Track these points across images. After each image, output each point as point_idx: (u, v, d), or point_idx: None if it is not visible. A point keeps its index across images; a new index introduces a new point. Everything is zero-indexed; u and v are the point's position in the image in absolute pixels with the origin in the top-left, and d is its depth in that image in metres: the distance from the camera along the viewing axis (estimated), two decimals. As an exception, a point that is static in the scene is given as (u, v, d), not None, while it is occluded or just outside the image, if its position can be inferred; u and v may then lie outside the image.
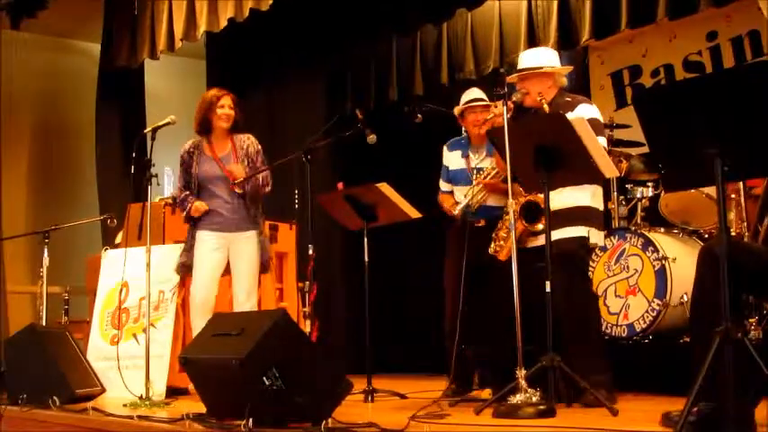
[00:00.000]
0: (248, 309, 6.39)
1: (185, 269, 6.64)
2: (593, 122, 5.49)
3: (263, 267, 6.70)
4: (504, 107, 5.19)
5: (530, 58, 5.85)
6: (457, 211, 6.26)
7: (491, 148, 6.25)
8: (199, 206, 6.49)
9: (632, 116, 3.80)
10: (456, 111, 6.52)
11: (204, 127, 6.63)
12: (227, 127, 6.61)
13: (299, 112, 10.24)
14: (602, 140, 5.52)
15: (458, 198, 6.42)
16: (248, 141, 6.69)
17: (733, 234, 6.18)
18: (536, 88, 5.63)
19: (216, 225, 6.54)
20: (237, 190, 6.51)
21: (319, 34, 9.67)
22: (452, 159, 6.55)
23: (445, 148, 6.64)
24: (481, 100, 6.41)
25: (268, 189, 6.71)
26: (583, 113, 5.51)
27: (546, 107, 5.53)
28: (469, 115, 6.44)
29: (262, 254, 6.62)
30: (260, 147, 6.75)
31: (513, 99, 5.63)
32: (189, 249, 6.59)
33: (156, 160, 6.33)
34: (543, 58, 5.81)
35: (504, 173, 5.66)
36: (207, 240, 6.52)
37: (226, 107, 6.57)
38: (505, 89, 5.31)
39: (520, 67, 5.82)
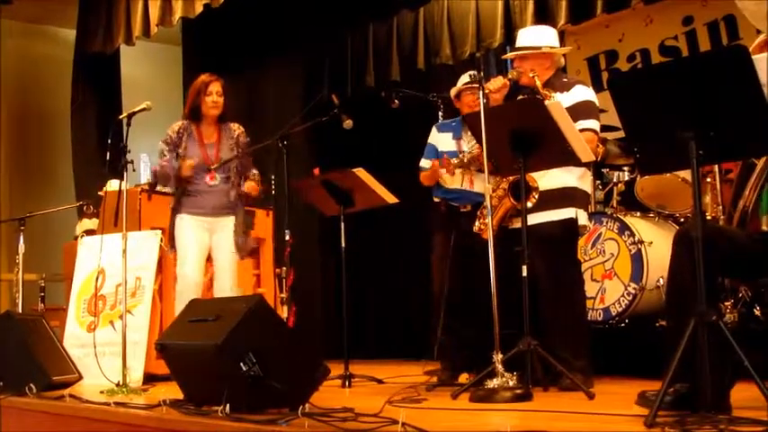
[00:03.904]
0: None
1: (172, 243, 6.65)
2: (587, 104, 5.52)
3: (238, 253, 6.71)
4: (481, 91, 5.19)
5: (529, 36, 5.80)
6: (455, 160, 6.20)
7: None
8: (188, 162, 6.47)
9: (609, 101, 3.81)
10: (453, 92, 6.48)
11: (194, 114, 6.61)
12: (216, 114, 6.61)
13: (276, 98, 10.22)
14: (595, 123, 5.54)
15: (446, 180, 6.37)
16: (239, 131, 6.75)
17: (708, 218, 6.20)
18: (533, 68, 5.61)
19: (197, 209, 6.56)
20: (214, 181, 6.51)
21: (296, 20, 9.64)
22: (442, 140, 6.48)
23: (435, 128, 6.58)
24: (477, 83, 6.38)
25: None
26: (578, 95, 5.53)
27: (539, 85, 5.52)
28: (466, 96, 6.41)
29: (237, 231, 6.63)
30: (248, 139, 6.78)
31: (509, 76, 5.65)
32: (172, 228, 6.61)
33: (132, 146, 6.29)
34: (543, 37, 5.76)
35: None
36: (189, 223, 6.54)
37: (214, 94, 6.57)
38: (482, 73, 5.30)
39: (518, 44, 5.79)
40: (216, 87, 6.58)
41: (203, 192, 6.55)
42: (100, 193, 7.83)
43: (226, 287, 6.52)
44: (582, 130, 5.28)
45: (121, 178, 6.30)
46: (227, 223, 6.59)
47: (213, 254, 6.63)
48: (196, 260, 6.55)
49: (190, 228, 6.53)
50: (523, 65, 5.67)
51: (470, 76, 6.21)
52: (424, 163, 6.48)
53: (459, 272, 6.17)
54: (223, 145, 6.62)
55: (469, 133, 6.32)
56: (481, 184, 6.22)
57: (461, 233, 6.16)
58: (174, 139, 6.58)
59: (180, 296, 6.50)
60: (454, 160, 6.15)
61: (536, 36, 5.77)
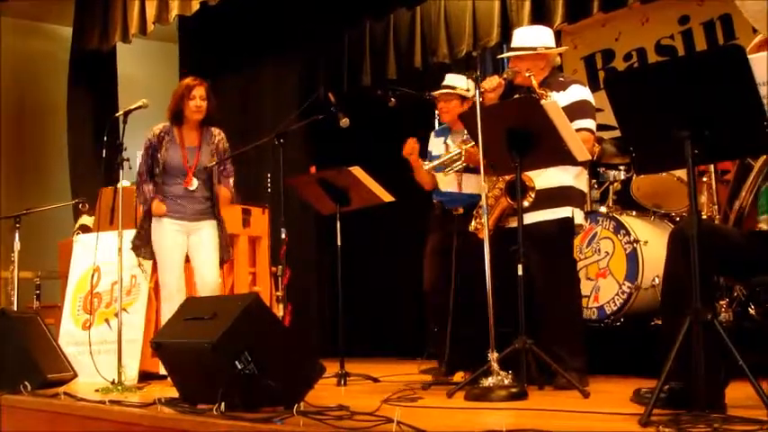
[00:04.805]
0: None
1: (137, 250, 6.58)
2: (584, 104, 5.52)
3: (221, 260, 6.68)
4: (477, 90, 5.19)
5: (524, 36, 5.79)
6: (428, 167, 6.23)
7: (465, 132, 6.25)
8: (158, 209, 6.42)
9: (606, 100, 3.81)
10: (435, 94, 6.51)
11: (177, 117, 6.54)
12: (199, 119, 6.54)
13: (272, 96, 10.22)
14: (592, 123, 5.54)
15: (440, 183, 6.39)
16: (219, 137, 6.63)
17: (704, 217, 6.20)
18: (529, 67, 5.61)
19: (175, 213, 6.47)
20: (191, 186, 6.48)
21: (292, 18, 9.64)
22: (436, 145, 6.56)
23: (432, 134, 6.67)
24: (450, 87, 6.41)
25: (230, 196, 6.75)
26: (574, 94, 5.52)
27: (535, 85, 5.52)
28: (439, 103, 6.46)
29: (221, 245, 6.60)
30: (227, 145, 6.71)
31: (504, 76, 5.65)
32: (142, 230, 6.54)
33: (128, 144, 6.30)
34: (538, 37, 5.75)
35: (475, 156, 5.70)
36: (166, 226, 6.47)
37: (197, 98, 6.46)
38: (478, 73, 5.30)
39: (514, 44, 5.78)
40: (200, 92, 6.49)
41: (182, 196, 6.48)
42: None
43: (209, 284, 6.46)
44: (578, 130, 5.28)
45: (117, 176, 6.29)
46: (206, 225, 6.52)
47: (191, 253, 6.54)
48: (177, 266, 6.49)
49: (169, 233, 6.48)
50: (519, 65, 5.67)
51: (468, 75, 6.21)
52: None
53: (446, 271, 6.18)
54: (203, 150, 6.54)
55: (456, 135, 6.37)
56: (469, 185, 6.24)
57: (452, 234, 6.17)
58: (154, 143, 6.51)
59: (165, 303, 6.46)
60: (427, 162, 6.20)
61: (531, 36, 5.77)
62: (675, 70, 3.72)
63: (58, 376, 6.12)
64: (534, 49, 5.66)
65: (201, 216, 6.52)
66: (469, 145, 6.05)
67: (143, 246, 6.50)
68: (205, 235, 6.50)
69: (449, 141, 6.44)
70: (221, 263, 6.61)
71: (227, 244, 6.65)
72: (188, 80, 6.57)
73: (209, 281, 6.44)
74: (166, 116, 6.59)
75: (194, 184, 6.47)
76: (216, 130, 6.65)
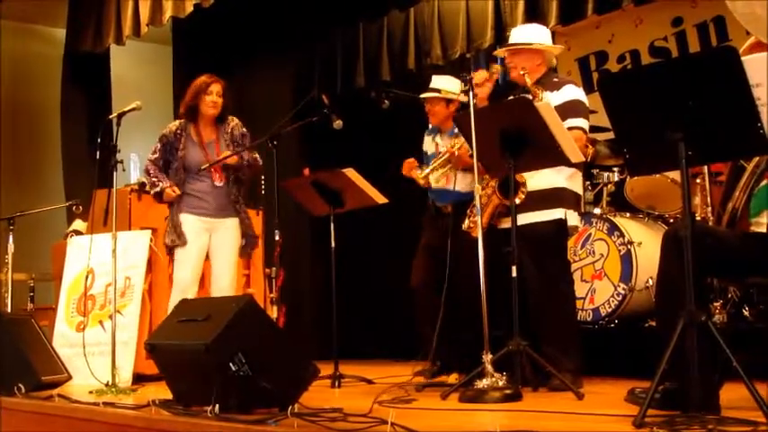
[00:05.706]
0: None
1: (170, 249, 6.61)
2: (576, 103, 5.53)
3: (244, 252, 6.76)
4: (471, 91, 5.18)
5: (522, 33, 5.80)
6: (423, 174, 6.24)
7: (453, 131, 6.26)
8: (171, 192, 6.48)
9: (599, 102, 3.81)
10: (421, 97, 6.53)
11: (191, 113, 6.59)
12: (214, 114, 6.60)
13: (266, 97, 10.20)
14: (584, 122, 5.55)
15: (431, 180, 6.40)
16: (233, 124, 6.72)
17: (697, 218, 6.21)
18: (525, 65, 5.62)
19: (199, 210, 6.54)
20: (220, 182, 6.53)
21: (286, 20, 9.63)
22: (427, 144, 6.61)
23: (426, 133, 6.69)
24: (435, 90, 6.42)
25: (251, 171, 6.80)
26: (568, 94, 5.53)
27: (529, 82, 5.52)
28: (425, 105, 6.48)
29: (245, 239, 6.68)
30: (245, 129, 6.77)
31: (492, 71, 5.67)
32: (173, 231, 6.55)
33: (122, 146, 6.29)
34: (535, 34, 5.76)
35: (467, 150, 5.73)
36: (191, 224, 6.52)
37: (214, 94, 6.55)
38: (471, 74, 5.30)
39: (511, 41, 5.80)
40: (216, 88, 6.56)
41: (207, 192, 6.53)
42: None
43: (224, 288, 6.50)
44: (570, 129, 5.28)
45: (111, 178, 6.29)
46: (229, 224, 6.57)
47: (212, 254, 6.60)
48: (195, 264, 6.54)
49: (192, 230, 6.51)
50: (514, 60, 5.68)
51: (459, 77, 6.21)
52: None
53: (435, 270, 6.19)
54: (221, 143, 6.61)
55: (443, 134, 6.39)
56: (462, 184, 6.24)
57: (443, 233, 6.17)
58: (170, 139, 6.56)
59: (175, 296, 6.46)
60: (422, 169, 6.22)
61: (529, 33, 5.77)
62: (669, 72, 3.73)
63: (52, 378, 6.11)
64: (530, 44, 5.67)
65: (225, 212, 6.60)
66: (456, 147, 6.08)
67: (177, 237, 6.55)
68: (227, 236, 6.60)
69: (438, 140, 6.47)
70: (246, 252, 6.79)
71: (252, 234, 6.76)
72: (204, 77, 6.64)
73: (223, 285, 6.49)
74: (180, 113, 6.62)
75: (222, 179, 6.53)
76: (229, 117, 6.70)
